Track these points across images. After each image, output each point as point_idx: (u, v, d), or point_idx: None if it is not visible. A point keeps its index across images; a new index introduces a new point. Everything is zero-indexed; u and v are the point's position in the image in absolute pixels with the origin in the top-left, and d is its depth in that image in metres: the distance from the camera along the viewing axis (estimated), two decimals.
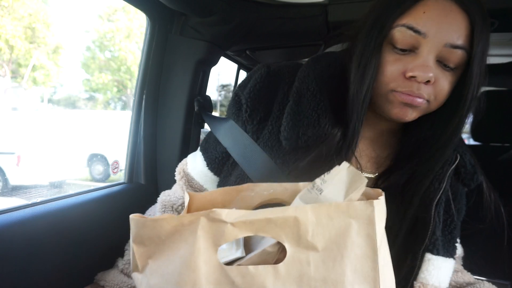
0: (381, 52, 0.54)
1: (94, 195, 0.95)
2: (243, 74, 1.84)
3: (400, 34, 0.52)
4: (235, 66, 1.72)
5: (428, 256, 0.60)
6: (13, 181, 4.42)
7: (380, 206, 0.40)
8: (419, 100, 0.53)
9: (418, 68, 0.51)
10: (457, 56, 0.52)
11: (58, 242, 0.78)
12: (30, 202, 0.79)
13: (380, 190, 0.44)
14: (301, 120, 0.57)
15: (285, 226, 0.37)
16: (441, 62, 0.53)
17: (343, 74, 0.59)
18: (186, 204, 0.50)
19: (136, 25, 11.44)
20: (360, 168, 0.62)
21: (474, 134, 1.60)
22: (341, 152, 0.57)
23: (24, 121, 5.80)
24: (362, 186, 0.43)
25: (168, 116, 1.12)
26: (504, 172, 1.45)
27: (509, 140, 1.53)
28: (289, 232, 0.37)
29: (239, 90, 0.65)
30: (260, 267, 0.37)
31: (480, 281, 0.66)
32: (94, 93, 13.35)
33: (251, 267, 0.37)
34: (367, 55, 0.54)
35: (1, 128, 5.50)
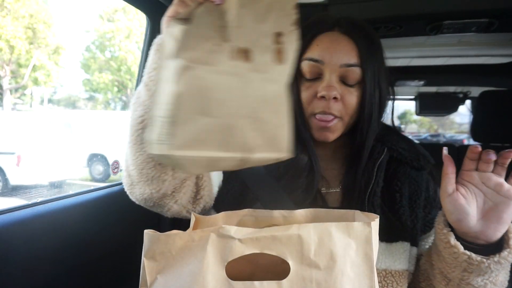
0: (298, 83, 0.66)
1: (94, 195, 0.95)
2: None
3: (305, 66, 0.65)
4: None
5: None
6: (13, 181, 4.43)
7: (375, 227, 0.42)
8: (331, 122, 0.64)
9: (324, 89, 0.62)
10: (354, 73, 0.63)
11: (58, 242, 0.78)
12: (30, 202, 0.79)
13: (374, 214, 0.47)
14: None
15: (289, 244, 0.39)
16: (344, 82, 0.64)
17: None
18: (191, 225, 0.53)
19: (136, 25, 11.45)
20: (328, 186, 0.70)
21: (474, 134, 1.60)
22: (309, 173, 0.66)
23: (25, 121, 5.80)
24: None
25: None
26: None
27: (509, 140, 1.53)
28: (293, 249, 0.39)
29: None
30: (265, 282, 0.39)
31: None
32: (94, 93, 13.38)
33: (256, 283, 0.38)
34: (290, 87, 0.67)
35: (1, 128, 5.50)
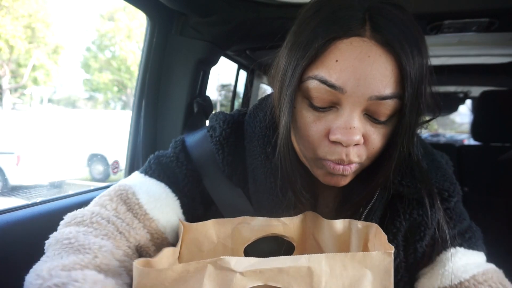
0: (297, 110, 0.46)
1: (94, 195, 0.94)
2: (243, 74, 1.84)
3: (314, 88, 0.42)
4: (235, 66, 1.72)
5: None
6: (12, 181, 4.42)
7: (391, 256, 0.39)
8: (350, 167, 0.45)
9: (341, 131, 0.42)
10: (387, 107, 0.42)
11: None
12: (30, 202, 0.79)
13: (385, 241, 0.41)
14: (261, 189, 0.54)
15: (298, 277, 0.36)
16: (370, 116, 0.44)
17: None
18: (180, 235, 0.49)
19: (137, 24, 11.45)
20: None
21: (474, 134, 1.61)
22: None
23: (24, 121, 5.79)
24: None
25: (168, 116, 1.12)
26: (504, 172, 1.46)
27: (509, 140, 1.53)
28: (301, 282, 0.36)
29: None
30: None
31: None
32: (94, 92, 13.37)
33: None
34: (282, 115, 0.46)
35: (1, 127, 5.50)
